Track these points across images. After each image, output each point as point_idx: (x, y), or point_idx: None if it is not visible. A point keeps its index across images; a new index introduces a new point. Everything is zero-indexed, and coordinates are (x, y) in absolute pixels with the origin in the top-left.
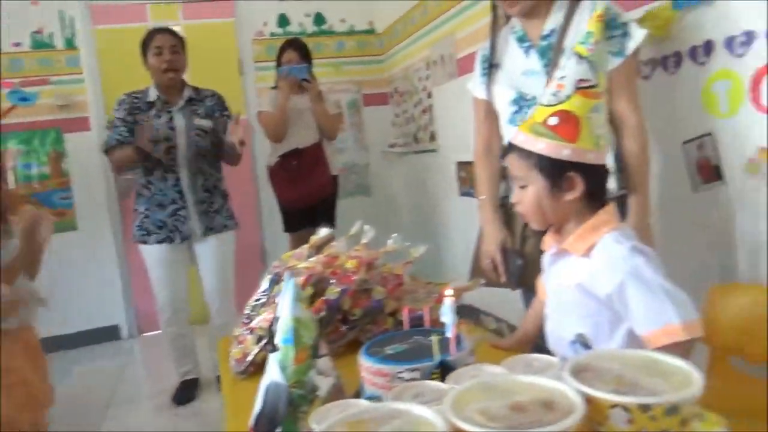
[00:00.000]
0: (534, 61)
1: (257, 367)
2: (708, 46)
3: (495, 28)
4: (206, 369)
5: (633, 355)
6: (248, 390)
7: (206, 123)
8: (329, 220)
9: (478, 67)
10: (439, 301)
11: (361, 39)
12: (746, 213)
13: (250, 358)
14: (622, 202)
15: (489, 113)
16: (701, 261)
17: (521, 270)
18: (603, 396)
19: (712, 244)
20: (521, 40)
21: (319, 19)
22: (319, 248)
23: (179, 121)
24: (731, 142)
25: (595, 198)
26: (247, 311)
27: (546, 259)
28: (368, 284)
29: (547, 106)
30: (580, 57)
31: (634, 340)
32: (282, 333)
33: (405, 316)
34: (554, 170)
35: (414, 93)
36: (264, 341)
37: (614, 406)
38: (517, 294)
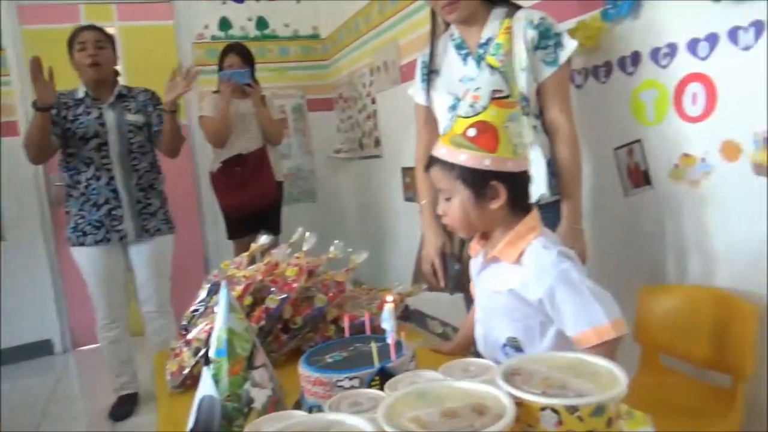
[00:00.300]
0: (471, 69)
1: (194, 381)
2: (635, 57)
3: (434, 35)
4: (145, 383)
5: (561, 358)
6: (184, 404)
7: (138, 118)
8: (274, 226)
9: (418, 73)
10: (381, 307)
11: (305, 44)
12: (672, 216)
13: (186, 371)
14: (556, 207)
15: (429, 119)
16: (632, 263)
17: (459, 274)
18: (532, 399)
19: (641, 246)
20: (459, 47)
21: (261, 23)
22: (261, 256)
23: (109, 117)
24: (658, 149)
25: (519, 204)
26: (184, 322)
27: (474, 266)
28: (309, 292)
29: (465, 117)
30: (492, 68)
31: (563, 341)
32: (215, 345)
33: (346, 323)
34: (477, 180)
35: (358, 99)
36: (201, 353)
37: (544, 408)
38: (461, 298)
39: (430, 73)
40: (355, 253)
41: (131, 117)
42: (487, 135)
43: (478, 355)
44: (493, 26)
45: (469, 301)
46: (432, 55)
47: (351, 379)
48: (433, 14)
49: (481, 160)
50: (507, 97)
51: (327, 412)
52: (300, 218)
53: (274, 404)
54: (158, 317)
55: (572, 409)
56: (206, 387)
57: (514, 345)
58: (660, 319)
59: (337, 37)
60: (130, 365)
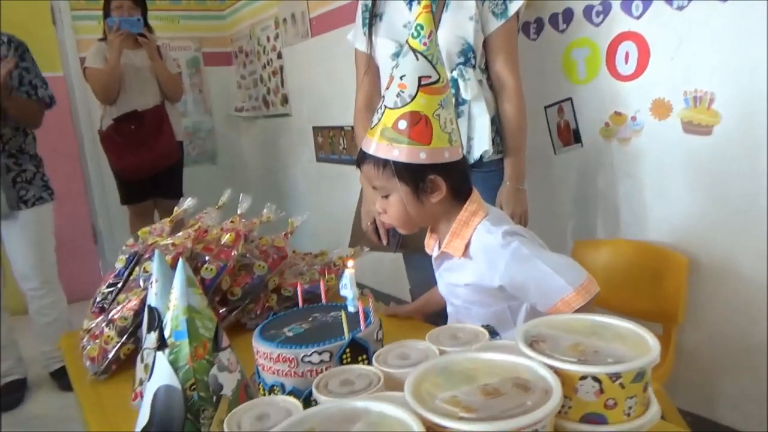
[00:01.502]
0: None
1: (121, 365)
2: (568, 14)
3: None
4: (35, 367)
5: (577, 320)
6: (112, 391)
7: None
8: (175, 190)
9: (359, 17)
10: (322, 272)
11: None
12: (603, 174)
13: (111, 354)
14: (500, 165)
15: (370, 67)
16: (563, 219)
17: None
18: (572, 368)
19: (572, 202)
20: None
21: None
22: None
23: None
24: (588, 107)
25: (460, 192)
26: (98, 299)
27: (433, 262)
28: (245, 260)
29: (393, 108)
30: (416, 52)
31: (535, 314)
32: (172, 326)
33: (299, 291)
34: (414, 175)
35: (262, 53)
36: (127, 334)
37: (584, 377)
38: (397, 261)
39: (372, 17)
40: (292, 215)
41: None
42: (419, 126)
43: (437, 317)
44: None
45: (410, 260)
46: None
47: (320, 353)
48: None
49: (417, 154)
50: (436, 82)
51: (317, 393)
52: (199, 181)
53: (245, 389)
54: (44, 295)
55: (615, 377)
56: (162, 376)
57: (490, 331)
58: (593, 273)
59: None
60: (13, 349)
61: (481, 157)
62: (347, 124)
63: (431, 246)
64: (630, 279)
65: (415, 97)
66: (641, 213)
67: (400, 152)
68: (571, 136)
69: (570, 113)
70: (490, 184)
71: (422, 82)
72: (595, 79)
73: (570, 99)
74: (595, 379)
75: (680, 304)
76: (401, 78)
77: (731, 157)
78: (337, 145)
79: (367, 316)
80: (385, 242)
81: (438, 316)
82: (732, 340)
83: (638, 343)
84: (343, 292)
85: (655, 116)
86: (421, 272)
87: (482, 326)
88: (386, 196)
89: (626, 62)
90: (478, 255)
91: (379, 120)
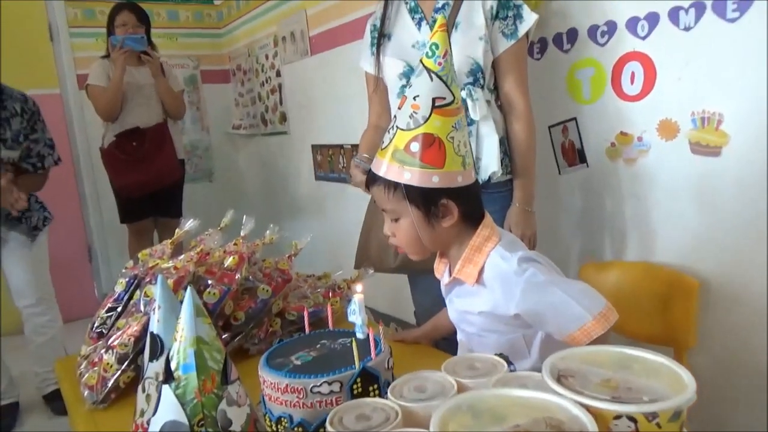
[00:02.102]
0: (425, 35)
1: (121, 394)
2: (572, 34)
3: None
4: (27, 389)
5: (610, 354)
6: (111, 422)
7: (12, 154)
8: (176, 208)
9: (367, 38)
10: (327, 296)
11: (197, 9)
12: (609, 194)
13: (110, 382)
14: (509, 187)
15: (378, 86)
16: (568, 241)
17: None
18: (607, 407)
19: (577, 224)
20: (413, 11)
21: None
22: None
23: None
24: (594, 127)
25: (472, 217)
26: (96, 324)
27: (442, 288)
28: (248, 283)
29: (405, 130)
30: (430, 72)
31: (551, 343)
32: (179, 359)
33: (306, 316)
34: (426, 200)
35: (260, 71)
36: (127, 361)
37: (618, 416)
38: (397, 279)
39: (381, 37)
40: (293, 235)
41: (6, 153)
42: (432, 149)
43: (448, 344)
44: None
45: (417, 282)
46: (384, 18)
47: (330, 383)
48: None
49: (429, 178)
50: (450, 104)
51: (332, 430)
52: (196, 200)
53: (254, 423)
54: (41, 312)
55: (651, 416)
56: (168, 410)
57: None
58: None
59: (233, 4)
60: (5, 371)
61: (489, 178)
62: (347, 142)
63: (441, 271)
64: (638, 302)
65: (428, 118)
66: (649, 234)
67: (411, 175)
68: (576, 156)
69: (575, 133)
70: (498, 205)
71: (436, 104)
72: (600, 99)
73: (575, 119)
74: (631, 418)
75: (691, 328)
76: (414, 98)
77: (740, 179)
78: (336, 163)
79: (377, 344)
80: (393, 265)
81: (447, 341)
82: (744, 365)
83: (673, 379)
84: (351, 318)
85: (662, 136)
86: (428, 294)
87: (496, 354)
88: (396, 220)
89: (632, 82)
90: (492, 282)
91: (391, 141)
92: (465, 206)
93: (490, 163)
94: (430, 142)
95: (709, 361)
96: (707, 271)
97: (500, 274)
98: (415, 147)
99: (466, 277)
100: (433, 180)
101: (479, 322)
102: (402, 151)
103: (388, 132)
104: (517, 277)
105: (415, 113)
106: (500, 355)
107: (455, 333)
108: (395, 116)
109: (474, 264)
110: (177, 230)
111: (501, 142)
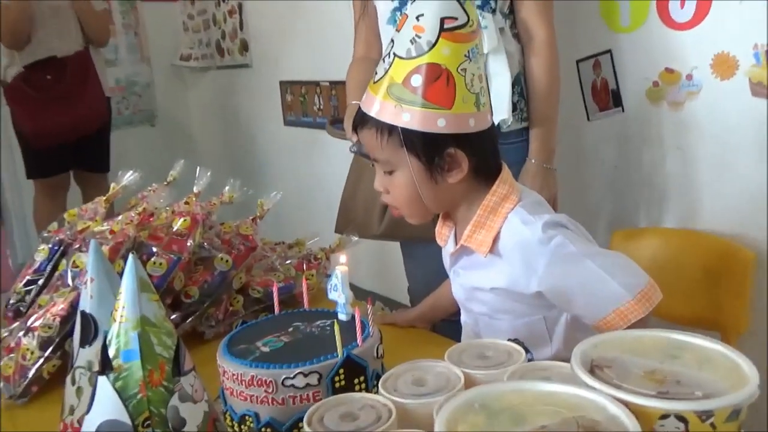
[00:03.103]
0: None
1: (44, 386)
2: None
3: None
4: None
5: (655, 339)
6: (32, 419)
7: None
8: (102, 160)
9: None
10: (300, 268)
11: None
12: (648, 147)
13: (31, 373)
14: (524, 136)
15: (367, 8)
16: (597, 203)
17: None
18: (651, 404)
19: (609, 183)
20: None
21: None
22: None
23: None
24: (632, 62)
25: (486, 171)
26: (12, 300)
27: (445, 257)
28: (205, 251)
29: (405, 58)
30: None
31: (577, 328)
32: (119, 343)
33: (275, 293)
34: (429, 148)
35: None
36: (52, 347)
37: (665, 416)
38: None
39: None
40: (259, 194)
41: None
42: (438, 84)
43: (449, 327)
44: None
45: (410, 249)
46: None
47: (306, 375)
48: None
49: (434, 121)
50: (463, 26)
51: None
52: (134, 148)
53: (214, 423)
54: None
55: (705, 415)
56: (106, 407)
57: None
58: None
59: None
60: None
61: (498, 126)
62: (324, 78)
63: (444, 237)
64: (680, 278)
65: (435, 45)
66: (695, 196)
67: (411, 117)
68: (609, 98)
69: (609, 69)
70: (510, 160)
71: (445, 26)
72: (641, 26)
73: (609, 51)
74: (680, 418)
75: (743, 310)
76: (417, 18)
77: None
78: (310, 104)
79: (364, 327)
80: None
81: (447, 323)
82: None
83: (730, 371)
84: (332, 296)
85: (717, 75)
86: (425, 267)
87: (509, 340)
88: (390, 172)
89: (682, 6)
90: (510, 252)
91: (386, 72)
92: (477, 157)
93: (500, 108)
94: (436, 75)
95: (764, 350)
96: (765, 241)
97: (521, 243)
98: (417, 81)
99: (476, 245)
100: (439, 123)
101: (491, 300)
102: (400, 86)
103: (383, 61)
104: (541, 246)
105: (418, 37)
106: (515, 340)
107: (458, 314)
108: (392, 41)
109: (487, 229)
110: (112, 185)
111: (515, 81)
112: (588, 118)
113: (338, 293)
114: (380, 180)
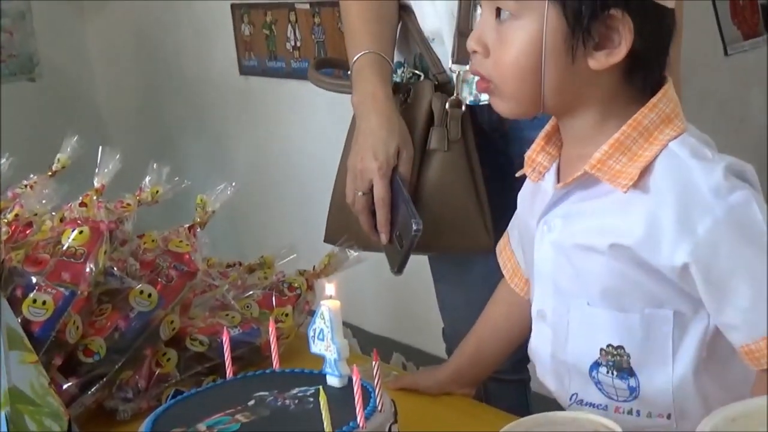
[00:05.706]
0: None
1: None
2: None
3: None
4: None
5: None
6: None
7: None
8: None
9: None
10: (278, 303)
11: None
12: None
13: None
14: None
15: None
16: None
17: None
18: None
19: (753, 136)
20: None
21: None
22: None
23: None
24: None
25: (647, 69)
26: None
27: (529, 202)
28: (115, 281)
29: None
30: None
31: (720, 346)
32: None
33: (226, 345)
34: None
35: None
36: None
37: None
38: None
39: None
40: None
41: None
42: None
43: (502, 388)
44: None
45: (439, 268)
46: None
47: None
48: None
49: None
50: None
51: None
52: (6, 115)
53: None
54: None
55: None
56: None
57: (617, 363)
58: None
59: None
60: None
61: None
62: None
63: (539, 167)
64: None
65: None
66: None
67: None
68: (758, 21)
69: None
70: None
71: None
72: None
73: None
74: None
75: None
76: None
77: None
78: (280, 41)
79: (368, 397)
80: (385, 236)
81: (505, 382)
82: None
83: None
84: (316, 348)
85: None
86: (471, 294)
87: (607, 347)
88: (500, 18)
89: None
90: (664, 193)
91: None
92: (646, 43)
93: None
94: None
95: None
96: None
97: (684, 184)
98: None
99: (613, 175)
100: None
101: (600, 271)
102: None
103: None
104: (715, 197)
105: None
106: (616, 348)
107: (517, 368)
108: None
109: (632, 156)
110: None
111: None
112: (725, 52)
113: (326, 343)
114: (482, 27)
